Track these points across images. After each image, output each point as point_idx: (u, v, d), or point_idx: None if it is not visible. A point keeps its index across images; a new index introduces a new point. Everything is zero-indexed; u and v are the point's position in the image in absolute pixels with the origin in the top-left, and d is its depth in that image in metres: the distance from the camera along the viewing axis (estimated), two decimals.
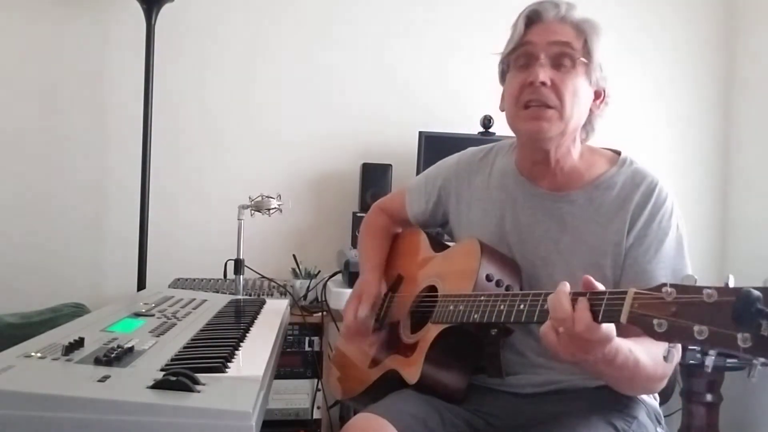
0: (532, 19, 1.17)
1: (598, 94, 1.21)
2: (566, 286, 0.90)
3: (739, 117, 2.83)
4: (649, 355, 0.98)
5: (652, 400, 1.22)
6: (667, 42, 2.84)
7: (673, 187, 1.20)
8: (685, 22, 2.85)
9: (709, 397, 2.35)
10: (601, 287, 0.90)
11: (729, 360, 0.73)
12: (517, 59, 1.18)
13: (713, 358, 0.73)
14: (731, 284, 0.71)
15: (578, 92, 1.15)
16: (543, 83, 1.12)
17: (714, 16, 2.87)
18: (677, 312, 0.75)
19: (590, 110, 1.20)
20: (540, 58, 1.14)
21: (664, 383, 1.07)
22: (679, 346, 0.75)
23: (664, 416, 1.24)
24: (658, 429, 1.19)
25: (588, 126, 1.23)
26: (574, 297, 0.89)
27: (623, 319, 0.82)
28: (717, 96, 2.87)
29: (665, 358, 0.77)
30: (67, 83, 2.44)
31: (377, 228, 1.56)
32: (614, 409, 1.15)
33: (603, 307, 0.85)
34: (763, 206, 2.66)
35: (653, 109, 2.84)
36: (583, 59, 1.15)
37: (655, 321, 0.77)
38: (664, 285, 0.78)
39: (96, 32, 2.46)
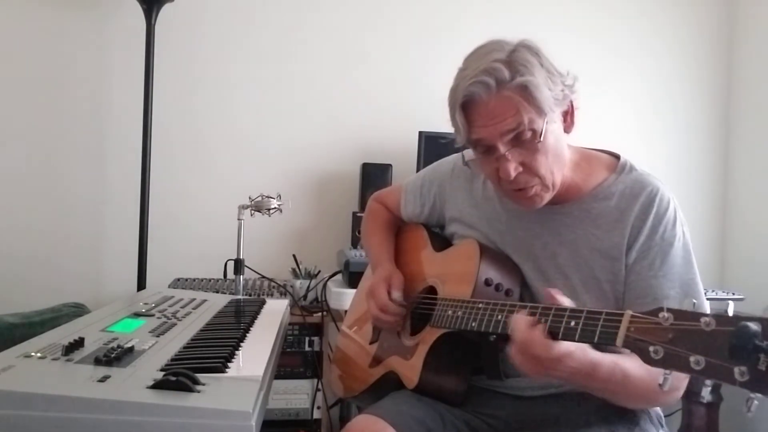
0: (468, 106, 1.08)
1: (565, 115, 1.13)
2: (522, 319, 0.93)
3: (740, 117, 2.83)
4: (645, 367, 0.97)
5: None
6: (667, 44, 2.84)
7: (673, 187, 1.19)
8: (686, 21, 2.85)
9: (709, 397, 2.35)
10: (566, 302, 0.92)
11: None
12: (476, 148, 1.13)
13: (710, 388, 0.72)
14: (730, 313, 0.70)
15: (549, 149, 1.09)
16: (517, 173, 1.08)
17: (715, 15, 2.87)
18: (674, 339, 0.73)
19: (564, 130, 1.13)
20: (499, 149, 1.07)
21: (678, 394, 1.03)
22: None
23: (665, 416, 1.24)
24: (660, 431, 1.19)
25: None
26: (537, 315, 0.92)
27: (618, 342, 0.80)
28: (718, 95, 2.87)
29: (661, 386, 0.75)
30: (66, 83, 2.44)
31: (383, 220, 1.53)
32: (616, 415, 1.14)
33: (599, 329, 0.84)
34: (764, 207, 2.66)
35: (653, 109, 2.84)
36: (539, 125, 1.06)
37: (651, 348, 0.75)
38: (661, 309, 0.76)
39: (96, 32, 2.46)
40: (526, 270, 1.20)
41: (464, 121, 1.09)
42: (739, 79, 2.83)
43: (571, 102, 1.12)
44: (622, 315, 0.81)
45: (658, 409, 1.23)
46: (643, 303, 1.08)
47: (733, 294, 2.45)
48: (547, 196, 1.12)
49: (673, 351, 0.73)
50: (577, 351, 0.90)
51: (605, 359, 0.94)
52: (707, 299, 1.17)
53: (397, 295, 1.30)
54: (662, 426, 1.20)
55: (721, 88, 2.87)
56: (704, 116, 2.86)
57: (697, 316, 0.72)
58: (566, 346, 0.89)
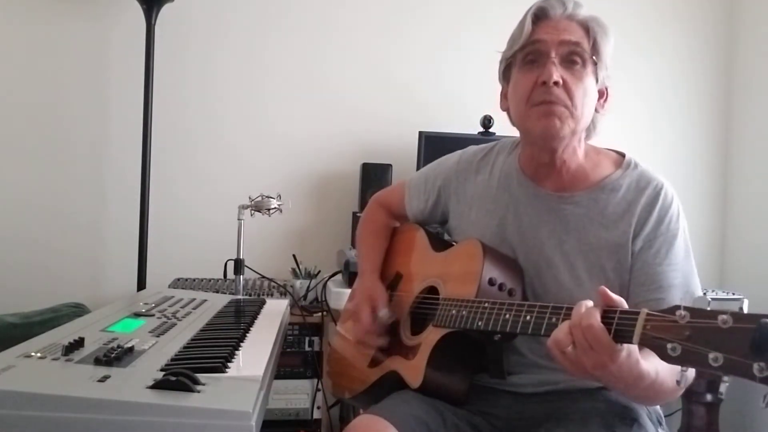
0: (539, 16, 1.16)
1: (602, 93, 1.21)
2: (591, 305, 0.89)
3: (740, 117, 2.83)
4: (669, 371, 0.95)
5: None
6: (669, 42, 2.84)
7: (673, 186, 1.20)
8: (686, 21, 2.86)
9: (709, 397, 2.35)
10: (618, 300, 0.88)
11: None
12: (526, 56, 1.17)
13: (727, 384, 0.73)
14: (745, 310, 0.72)
15: (588, 92, 1.15)
16: (556, 83, 1.11)
17: (714, 15, 2.87)
18: (691, 336, 0.74)
19: (594, 109, 1.20)
20: (551, 56, 1.13)
21: (681, 391, 1.05)
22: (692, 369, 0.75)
23: (664, 416, 1.24)
24: (659, 430, 1.19)
25: (590, 125, 1.22)
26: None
27: (635, 340, 0.81)
28: (718, 95, 2.87)
29: (678, 383, 0.77)
30: (67, 83, 2.44)
31: (377, 225, 1.54)
32: (614, 412, 1.14)
33: (614, 327, 0.84)
34: (764, 207, 2.66)
35: (654, 109, 2.84)
36: (593, 58, 1.15)
37: (668, 345, 0.76)
38: (678, 308, 0.77)
39: (96, 32, 2.46)
40: (533, 258, 1.20)
41: (530, 25, 1.16)
42: (740, 78, 2.83)
43: (607, 88, 1.21)
44: (638, 313, 0.82)
45: (658, 408, 1.23)
46: (649, 290, 1.11)
47: (733, 294, 2.45)
48: (567, 128, 1.14)
49: (691, 348, 0.74)
50: (632, 356, 0.88)
51: (650, 371, 0.92)
52: (709, 299, 1.18)
53: (383, 312, 1.31)
54: (661, 425, 1.20)
55: (721, 86, 2.87)
56: (705, 113, 2.86)
57: (714, 314, 0.73)
58: (625, 346, 0.86)
